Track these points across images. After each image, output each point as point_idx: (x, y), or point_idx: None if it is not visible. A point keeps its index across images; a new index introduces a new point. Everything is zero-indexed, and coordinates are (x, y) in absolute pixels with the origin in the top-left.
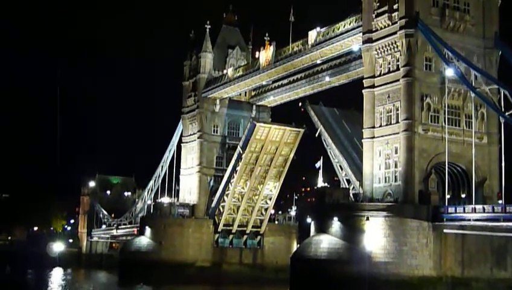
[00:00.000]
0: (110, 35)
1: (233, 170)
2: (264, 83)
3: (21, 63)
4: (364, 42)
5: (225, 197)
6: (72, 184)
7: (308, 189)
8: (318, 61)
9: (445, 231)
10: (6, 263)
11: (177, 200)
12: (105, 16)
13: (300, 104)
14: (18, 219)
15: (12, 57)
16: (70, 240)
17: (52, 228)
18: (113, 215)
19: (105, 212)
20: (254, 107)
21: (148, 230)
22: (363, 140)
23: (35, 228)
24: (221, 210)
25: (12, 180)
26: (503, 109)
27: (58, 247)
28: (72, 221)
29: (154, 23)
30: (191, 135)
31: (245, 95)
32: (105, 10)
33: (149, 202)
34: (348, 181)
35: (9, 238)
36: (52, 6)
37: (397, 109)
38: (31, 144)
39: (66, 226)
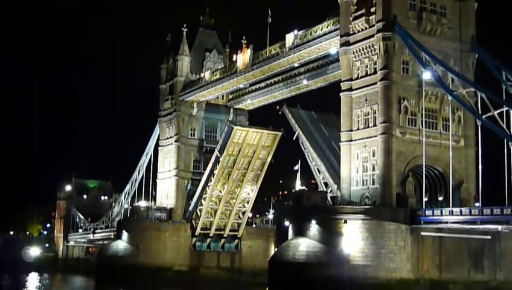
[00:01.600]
0: (88, 39)
1: (211, 173)
2: (241, 86)
3: None
4: (341, 45)
5: (202, 201)
6: (48, 188)
7: (286, 192)
8: (296, 65)
9: (422, 233)
10: None
11: (154, 204)
12: (81, 20)
13: (278, 107)
14: None
15: None
16: (47, 245)
17: (28, 233)
18: (89, 219)
19: (81, 217)
20: (231, 110)
21: (125, 234)
22: (340, 143)
23: (11, 233)
24: (199, 214)
25: None
26: (480, 112)
27: (34, 252)
28: (48, 225)
29: (131, 25)
30: (168, 138)
31: (222, 98)
32: (80, 14)
33: (126, 206)
34: (326, 184)
35: None
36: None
37: (375, 112)
38: (6, 148)
39: (42, 231)
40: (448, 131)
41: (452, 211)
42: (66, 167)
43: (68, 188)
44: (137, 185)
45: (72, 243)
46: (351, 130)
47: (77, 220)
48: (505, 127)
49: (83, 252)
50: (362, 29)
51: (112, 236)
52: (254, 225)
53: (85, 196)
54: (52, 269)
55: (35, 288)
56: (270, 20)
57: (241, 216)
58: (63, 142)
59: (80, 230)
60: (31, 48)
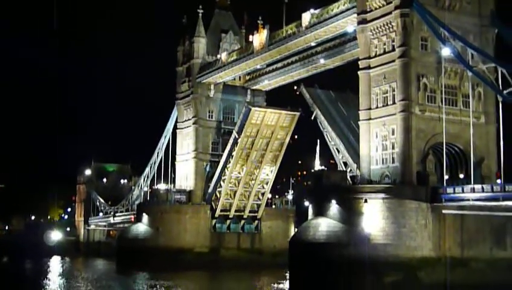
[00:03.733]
0: (101, 22)
1: (229, 155)
2: (258, 66)
3: (15, 49)
4: (359, 23)
5: (222, 183)
6: (68, 173)
7: (305, 172)
8: (312, 44)
9: (444, 211)
10: (4, 253)
11: (174, 186)
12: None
13: (295, 87)
14: (15, 208)
15: (7, 45)
16: (68, 229)
17: (49, 217)
18: (109, 203)
19: (102, 200)
20: (249, 91)
21: (145, 217)
22: (359, 122)
23: (33, 217)
24: (218, 195)
25: (8, 170)
26: (500, 88)
27: (55, 236)
28: (69, 210)
29: (145, 8)
30: (186, 120)
31: (239, 79)
32: None
33: (145, 189)
34: (345, 164)
35: (7, 228)
36: None
37: (393, 90)
38: (27, 134)
39: (63, 215)
40: (469, 108)
41: (474, 188)
42: (86, 152)
43: (88, 172)
44: (156, 168)
45: (92, 226)
46: (370, 109)
47: (97, 203)
48: None
49: (104, 235)
50: (379, 6)
51: (132, 219)
52: (274, 206)
53: (105, 180)
54: (73, 253)
55: (58, 272)
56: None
57: (261, 197)
58: (81, 127)
59: (101, 214)
60: (50, 29)
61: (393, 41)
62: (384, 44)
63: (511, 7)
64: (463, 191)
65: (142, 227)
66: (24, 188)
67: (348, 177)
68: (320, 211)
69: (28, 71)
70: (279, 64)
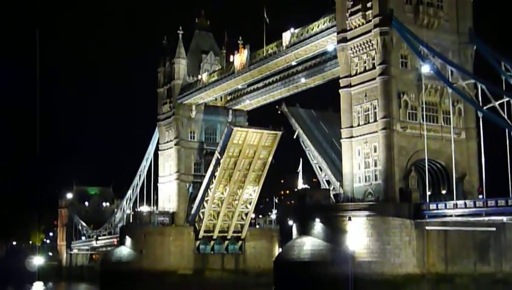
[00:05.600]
0: (81, 43)
1: (212, 175)
2: (239, 86)
3: None
4: (339, 42)
5: (205, 204)
6: (50, 197)
7: (288, 192)
8: (293, 63)
9: (427, 227)
10: None
11: (157, 208)
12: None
13: (277, 106)
14: None
15: None
16: (50, 254)
17: (31, 242)
18: (92, 226)
19: (84, 224)
20: (230, 111)
21: (128, 240)
22: (341, 140)
23: (14, 243)
24: (202, 217)
25: None
26: (480, 104)
27: (37, 261)
28: (51, 234)
29: (126, 30)
30: (167, 142)
31: (221, 99)
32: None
33: (128, 211)
34: (328, 182)
35: None
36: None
37: (375, 108)
38: (7, 159)
39: (45, 240)
40: (449, 124)
41: (456, 204)
42: (67, 175)
43: (69, 195)
44: (138, 190)
45: (75, 250)
46: (352, 127)
47: (80, 227)
48: (506, 117)
49: (87, 259)
50: (359, 25)
51: (115, 242)
52: (257, 226)
53: (87, 203)
54: (56, 278)
55: None
56: (267, 20)
57: (244, 217)
58: (62, 150)
59: (83, 237)
60: (31, 56)
61: (373, 59)
62: (365, 62)
63: (489, 24)
64: (446, 207)
65: (125, 250)
66: (5, 214)
67: (331, 195)
68: (304, 230)
69: (8, 96)
70: (260, 84)
